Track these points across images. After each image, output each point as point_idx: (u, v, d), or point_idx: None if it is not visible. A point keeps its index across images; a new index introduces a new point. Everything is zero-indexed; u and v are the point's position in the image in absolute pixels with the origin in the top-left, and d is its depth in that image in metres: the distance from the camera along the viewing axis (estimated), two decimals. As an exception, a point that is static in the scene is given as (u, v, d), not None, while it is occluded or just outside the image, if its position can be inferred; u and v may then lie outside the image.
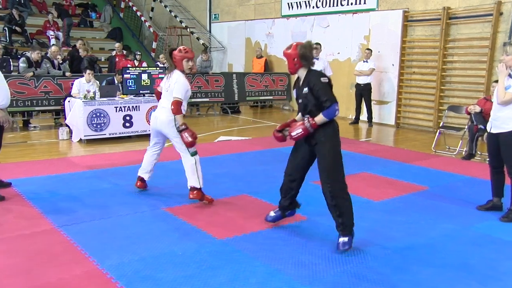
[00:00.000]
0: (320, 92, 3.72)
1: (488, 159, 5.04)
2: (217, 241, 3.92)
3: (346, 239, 3.78)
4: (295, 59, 3.80)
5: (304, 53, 3.79)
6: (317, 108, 3.76)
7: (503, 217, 4.59)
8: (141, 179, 5.27)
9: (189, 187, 4.82)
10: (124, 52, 12.02)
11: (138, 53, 11.39)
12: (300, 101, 3.92)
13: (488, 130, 4.76)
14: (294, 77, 4.09)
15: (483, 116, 7.24)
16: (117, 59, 11.47)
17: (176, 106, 4.63)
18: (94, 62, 10.53)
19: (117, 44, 12.17)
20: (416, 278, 3.35)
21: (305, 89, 3.79)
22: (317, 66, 8.17)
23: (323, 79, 3.76)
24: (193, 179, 4.78)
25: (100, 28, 16.86)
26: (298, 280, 3.28)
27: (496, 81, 7.53)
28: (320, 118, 3.74)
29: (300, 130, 3.80)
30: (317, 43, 8.74)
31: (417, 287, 3.23)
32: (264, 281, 3.26)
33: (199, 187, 4.80)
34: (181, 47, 4.91)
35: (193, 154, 4.79)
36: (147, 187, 5.31)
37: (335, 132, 3.81)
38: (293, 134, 3.86)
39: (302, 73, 3.88)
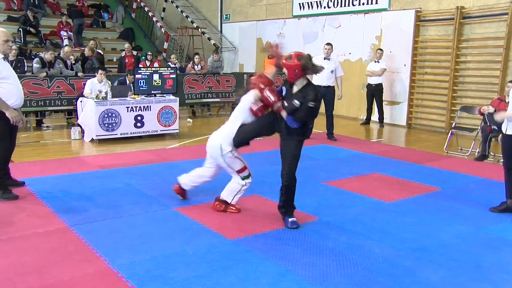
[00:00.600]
0: (301, 111, 4.06)
1: (502, 160, 4.98)
2: (228, 241, 3.93)
3: (294, 218, 4.22)
4: (297, 70, 4.03)
5: (306, 64, 4.01)
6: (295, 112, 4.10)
7: None
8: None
9: (220, 197, 4.66)
10: (134, 52, 12.09)
11: (149, 53, 11.45)
12: (286, 101, 4.16)
13: (504, 131, 4.70)
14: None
15: (497, 117, 7.16)
16: (127, 60, 11.55)
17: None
18: (101, 62, 10.60)
19: (126, 45, 12.25)
20: (428, 281, 3.32)
21: (296, 102, 4.06)
22: (329, 66, 8.19)
23: (311, 104, 4.02)
24: (229, 195, 4.61)
25: (112, 28, 17.00)
26: (308, 280, 3.27)
27: (511, 81, 7.47)
28: (285, 115, 4.11)
29: (272, 98, 4.13)
30: (328, 43, 8.71)
31: (430, 289, 3.20)
32: (275, 281, 3.25)
33: (228, 202, 4.64)
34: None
35: (244, 178, 4.57)
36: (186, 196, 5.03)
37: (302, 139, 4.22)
38: (265, 94, 4.16)
39: (300, 82, 4.14)
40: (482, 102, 8.27)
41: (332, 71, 8.42)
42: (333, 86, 8.56)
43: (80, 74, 9.71)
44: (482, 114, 7.36)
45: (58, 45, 13.35)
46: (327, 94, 8.32)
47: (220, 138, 4.51)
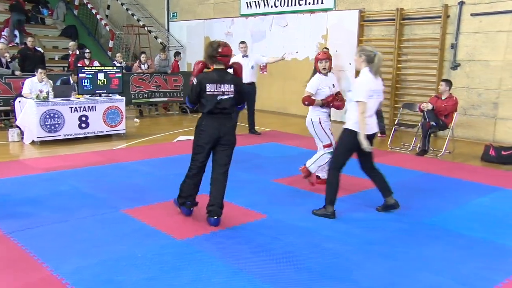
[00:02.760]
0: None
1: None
2: (178, 242, 3.88)
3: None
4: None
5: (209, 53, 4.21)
6: None
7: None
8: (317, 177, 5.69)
9: (306, 164, 5.49)
10: (77, 52, 11.67)
11: (87, 50, 11.06)
12: None
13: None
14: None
15: (435, 114, 7.52)
16: (72, 59, 11.14)
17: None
18: (41, 61, 10.12)
19: (71, 43, 11.80)
20: (376, 272, 3.44)
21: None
22: (248, 63, 8.51)
23: (192, 79, 4.20)
24: (314, 164, 5.45)
25: (53, 25, 16.31)
26: (260, 278, 3.30)
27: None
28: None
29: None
30: (242, 42, 8.99)
31: (377, 281, 3.31)
32: (227, 280, 3.25)
33: (311, 172, 5.49)
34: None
35: (329, 153, 5.35)
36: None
37: (197, 130, 4.29)
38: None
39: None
40: (422, 99, 8.65)
41: (252, 67, 8.69)
42: (255, 82, 8.84)
43: (17, 72, 9.26)
44: (422, 110, 7.69)
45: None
46: (250, 90, 8.54)
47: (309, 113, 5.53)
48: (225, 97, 4.15)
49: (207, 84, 4.12)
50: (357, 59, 4.49)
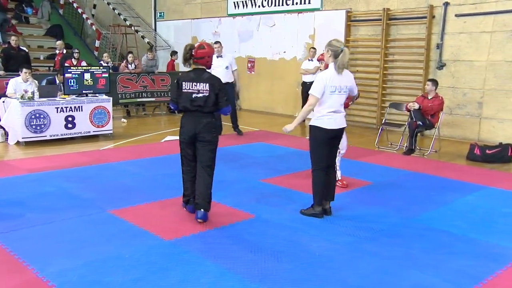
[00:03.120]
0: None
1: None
2: (166, 243, 3.87)
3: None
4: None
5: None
6: None
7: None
8: None
9: (338, 177, 5.57)
10: (64, 51, 11.54)
11: (76, 50, 10.96)
12: None
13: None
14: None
15: (422, 113, 7.59)
16: (59, 58, 11.01)
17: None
18: (26, 60, 9.99)
19: (58, 42, 11.66)
20: (364, 271, 3.46)
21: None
22: (223, 63, 8.41)
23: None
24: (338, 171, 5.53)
25: (38, 24, 16.12)
26: (249, 278, 3.30)
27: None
28: None
29: None
30: (216, 42, 8.89)
31: (365, 279, 3.33)
32: (215, 280, 3.25)
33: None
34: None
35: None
36: None
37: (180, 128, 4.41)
38: None
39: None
40: (409, 99, 8.73)
41: (227, 67, 8.60)
42: (231, 82, 8.73)
43: (1, 72, 9.13)
44: (408, 110, 7.75)
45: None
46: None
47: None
48: (200, 95, 4.26)
49: (183, 82, 4.30)
50: (325, 54, 4.47)
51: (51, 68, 11.91)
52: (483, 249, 3.87)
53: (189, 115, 4.33)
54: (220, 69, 8.22)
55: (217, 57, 8.49)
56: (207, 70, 4.42)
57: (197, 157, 4.37)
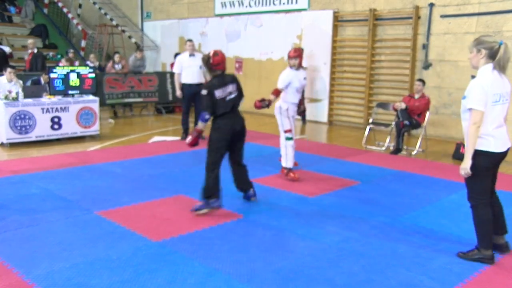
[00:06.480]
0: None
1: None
2: (153, 244, 3.85)
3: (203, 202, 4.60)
4: None
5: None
6: None
7: None
8: None
9: (282, 166, 5.99)
10: (35, 50, 11.30)
11: (71, 50, 10.84)
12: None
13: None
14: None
15: (408, 113, 7.66)
16: (29, 57, 10.82)
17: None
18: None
19: (30, 41, 11.46)
20: (351, 270, 3.48)
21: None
22: (196, 62, 7.98)
23: (203, 91, 4.60)
24: (286, 159, 5.91)
25: (22, 24, 15.90)
26: (237, 278, 3.30)
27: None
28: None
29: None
30: (189, 40, 8.46)
31: (352, 278, 3.35)
32: (203, 281, 3.24)
33: (286, 166, 5.89)
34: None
35: (287, 139, 5.90)
36: None
37: (214, 129, 4.65)
38: None
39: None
40: (396, 99, 8.80)
41: (201, 67, 7.98)
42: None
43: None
44: (395, 110, 7.82)
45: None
46: (199, 91, 8.19)
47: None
48: (232, 96, 4.71)
49: (215, 91, 4.59)
50: (474, 56, 3.64)
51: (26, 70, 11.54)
52: (467, 247, 3.91)
53: (227, 117, 4.64)
54: (193, 69, 7.99)
55: (190, 55, 8.17)
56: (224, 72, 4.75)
57: (234, 152, 4.78)
